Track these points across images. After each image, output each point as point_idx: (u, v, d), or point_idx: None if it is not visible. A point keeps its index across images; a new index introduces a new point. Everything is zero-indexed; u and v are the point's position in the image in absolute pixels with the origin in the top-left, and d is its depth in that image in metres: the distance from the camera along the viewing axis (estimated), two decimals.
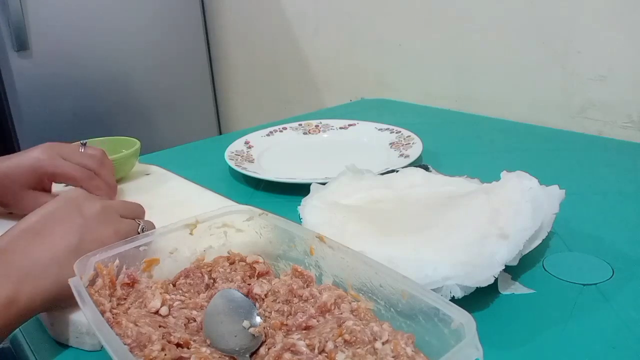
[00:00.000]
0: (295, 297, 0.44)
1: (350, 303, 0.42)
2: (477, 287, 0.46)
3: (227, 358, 0.39)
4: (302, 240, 0.47)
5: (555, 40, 1.01)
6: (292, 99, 1.72)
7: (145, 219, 0.55)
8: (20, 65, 1.49)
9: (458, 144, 0.95)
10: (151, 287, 0.45)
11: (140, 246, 0.47)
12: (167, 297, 0.44)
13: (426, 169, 0.72)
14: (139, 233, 0.50)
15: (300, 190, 0.68)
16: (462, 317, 0.35)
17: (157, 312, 0.42)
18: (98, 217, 0.47)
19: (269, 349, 0.38)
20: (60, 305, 0.45)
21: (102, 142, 0.82)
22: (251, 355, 0.39)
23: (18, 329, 0.49)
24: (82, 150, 0.67)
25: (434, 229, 0.52)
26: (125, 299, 0.44)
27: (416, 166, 0.72)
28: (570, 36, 0.98)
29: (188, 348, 0.39)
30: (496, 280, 0.47)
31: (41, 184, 0.64)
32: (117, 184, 0.74)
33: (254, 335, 0.41)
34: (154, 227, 0.54)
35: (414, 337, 0.37)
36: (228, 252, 0.51)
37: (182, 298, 0.45)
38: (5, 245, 0.43)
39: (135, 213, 0.53)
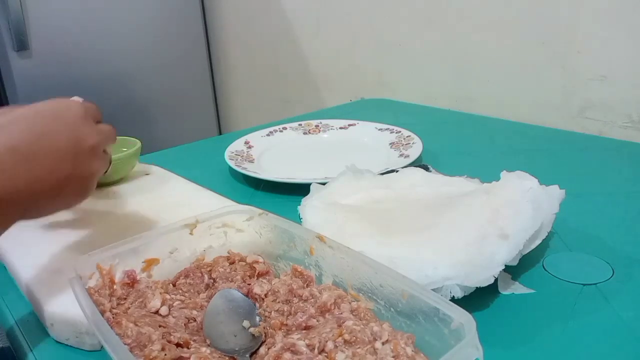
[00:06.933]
0: (295, 297, 0.44)
1: (350, 303, 0.42)
2: (477, 287, 0.46)
3: (227, 358, 0.39)
4: (302, 240, 0.47)
5: (555, 40, 1.01)
6: (292, 99, 1.72)
7: (145, 218, 0.54)
8: (20, 65, 1.49)
9: (458, 144, 0.95)
10: (151, 287, 0.45)
11: (140, 246, 0.47)
12: (167, 297, 0.44)
13: (426, 169, 0.72)
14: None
15: (300, 190, 0.68)
16: (462, 317, 0.35)
17: (157, 312, 0.42)
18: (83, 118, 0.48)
19: (268, 349, 0.38)
20: (34, 213, 0.44)
21: None
22: (251, 355, 0.39)
23: (18, 328, 0.50)
24: None
25: (434, 229, 0.52)
26: (125, 299, 0.44)
27: (416, 166, 0.72)
28: (570, 36, 0.98)
29: (188, 348, 0.39)
30: (496, 280, 0.47)
31: None
32: (116, 184, 0.75)
33: (253, 335, 0.41)
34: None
35: (414, 337, 0.37)
36: (228, 252, 0.51)
37: (182, 298, 0.45)
38: None
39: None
